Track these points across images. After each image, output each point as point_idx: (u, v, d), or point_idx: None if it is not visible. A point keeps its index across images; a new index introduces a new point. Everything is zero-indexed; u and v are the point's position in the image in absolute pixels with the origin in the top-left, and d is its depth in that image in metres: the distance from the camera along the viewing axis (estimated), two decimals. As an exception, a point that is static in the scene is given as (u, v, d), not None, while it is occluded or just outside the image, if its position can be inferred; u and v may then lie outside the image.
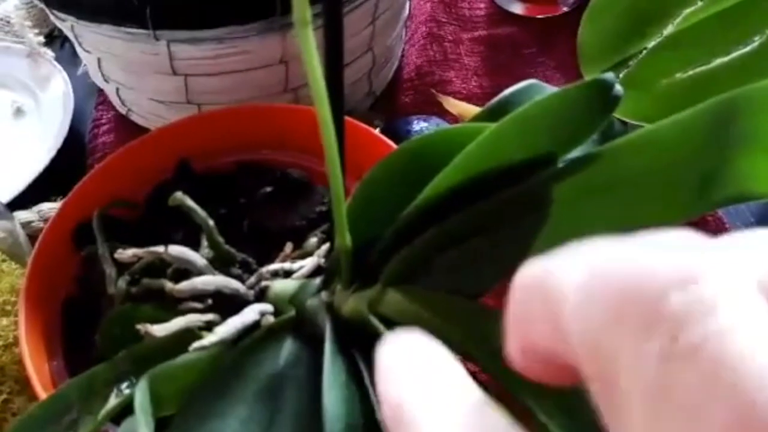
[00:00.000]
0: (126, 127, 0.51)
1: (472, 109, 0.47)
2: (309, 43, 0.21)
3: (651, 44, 0.36)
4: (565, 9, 0.56)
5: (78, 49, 0.48)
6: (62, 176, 0.49)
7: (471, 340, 0.24)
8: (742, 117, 0.20)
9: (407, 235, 0.24)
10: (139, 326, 0.24)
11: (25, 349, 0.27)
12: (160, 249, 0.26)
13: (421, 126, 0.45)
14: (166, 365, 0.22)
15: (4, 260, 0.40)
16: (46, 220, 0.45)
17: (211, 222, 0.28)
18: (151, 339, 0.24)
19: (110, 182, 0.33)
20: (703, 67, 0.34)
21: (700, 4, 0.35)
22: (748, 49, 0.33)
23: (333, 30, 0.22)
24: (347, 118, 0.38)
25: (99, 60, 0.46)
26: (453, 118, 0.48)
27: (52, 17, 0.45)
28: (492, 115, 0.29)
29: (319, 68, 0.21)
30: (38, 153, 0.50)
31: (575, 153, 0.25)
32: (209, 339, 0.23)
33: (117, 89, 0.48)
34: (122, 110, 0.51)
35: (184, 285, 0.25)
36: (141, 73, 0.45)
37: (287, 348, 0.26)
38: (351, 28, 0.45)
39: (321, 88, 0.21)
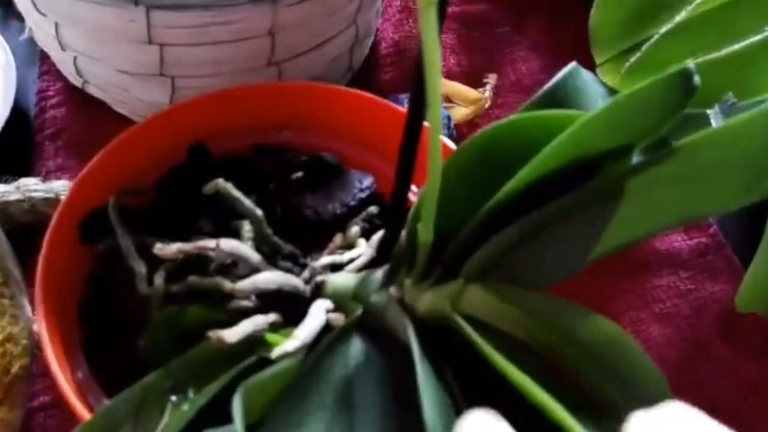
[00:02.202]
0: (79, 100, 0.46)
1: (461, 89, 0.46)
2: (432, 24, 0.19)
3: (663, 30, 0.36)
4: (534, -12, 0.56)
5: (27, 10, 0.43)
6: (7, 156, 0.44)
7: (555, 334, 0.24)
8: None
9: (490, 227, 0.24)
10: (210, 333, 0.21)
11: (54, 362, 0.24)
12: (211, 244, 0.24)
13: (412, 105, 0.43)
14: (258, 377, 0.20)
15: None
16: None
17: (259, 212, 0.25)
18: (221, 344, 0.22)
19: (116, 168, 0.30)
20: (712, 55, 0.35)
21: (713, -9, 0.35)
22: (756, 38, 0.34)
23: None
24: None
25: (57, 25, 0.41)
26: (438, 97, 0.47)
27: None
28: (544, 103, 0.28)
29: (439, 52, 0.19)
30: (-22, 129, 0.44)
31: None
32: (292, 344, 0.21)
33: (75, 58, 0.43)
34: (76, 82, 0.46)
35: (246, 284, 0.23)
36: (109, 42, 0.41)
37: (355, 347, 0.25)
38: (339, 1, 0.42)
39: (437, 74, 0.19)
